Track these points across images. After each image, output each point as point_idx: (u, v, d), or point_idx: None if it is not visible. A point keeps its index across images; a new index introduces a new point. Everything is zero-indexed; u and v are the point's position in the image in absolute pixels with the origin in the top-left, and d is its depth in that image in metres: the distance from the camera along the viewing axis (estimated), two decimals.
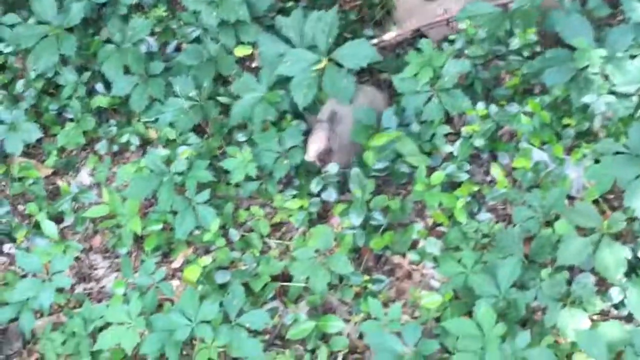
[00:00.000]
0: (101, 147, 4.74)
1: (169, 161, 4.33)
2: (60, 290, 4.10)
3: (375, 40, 4.59)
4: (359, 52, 4.35)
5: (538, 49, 4.20)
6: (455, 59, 4.25)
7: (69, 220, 4.51)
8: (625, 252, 3.53)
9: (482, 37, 4.24)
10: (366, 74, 4.70)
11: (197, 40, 4.79)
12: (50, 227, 4.33)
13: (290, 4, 4.90)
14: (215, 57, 4.66)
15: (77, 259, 4.42)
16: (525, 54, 4.22)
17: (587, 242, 3.59)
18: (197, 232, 4.23)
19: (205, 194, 4.21)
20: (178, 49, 4.88)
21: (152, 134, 4.69)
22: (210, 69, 4.64)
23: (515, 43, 4.20)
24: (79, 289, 4.35)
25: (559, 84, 4.05)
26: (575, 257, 3.58)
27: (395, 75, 4.35)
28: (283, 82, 4.42)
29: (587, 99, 3.92)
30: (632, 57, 3.93)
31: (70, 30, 4.84)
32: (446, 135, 4.25)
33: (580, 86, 3.96)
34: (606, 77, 3.92)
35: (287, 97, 4.39)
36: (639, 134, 3.69)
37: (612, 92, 3.91)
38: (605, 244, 3.57)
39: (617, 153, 3.71)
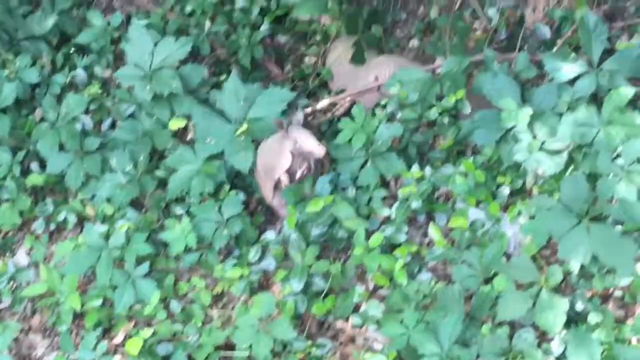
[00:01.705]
0: (38, 226, 4.69)
1: (107, 236, 4.31)
2: None
3: (309, 110, 4.64)
4: (273, 99, 4.47)
5: (468, 110, 4.28)
6: (388, 123, 4.31)
7: (6, 301, 4.45)
8: (564, 305, 3.59)
9: (413, 101, 4.32)
10: None
11: (132, 116, 4.81)
12: None
13: (223, 77, 4.96)
14: (150, 131, 4.67)
15: (16, 339, 4.34)
16: (455, 116, 4.30)
17: (526, 297, 3.64)
18: (137, 306, 4.18)
19: (145, 267, 4.19)
20: (113, 125, 4.87)
21: (90, 210, 4.65)
22: (146, 144, 4.65)
23: (445, 106, 4.28)
24: None
25: (490, 144, 4.14)
26: (515, 312, 3.62)
27: (329, 143, 4.40)
28: (219, 153, 4.45)
29: (518, 157, 3.99)
30: (559, 114, 4.03)
31: (3, 111, 4.84)
32: (383, 198, 4.29)
33: (510, 145, 4.04)
34: (535, 136, 4.01)
35: (224, 168, 4.41)
36: (571, 189, 3.76)
37: (543, 150, 3.99)
38: (544, 298, 3.63)
39: (551, 208, 3.78)
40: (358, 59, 4.77)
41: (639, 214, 3.64)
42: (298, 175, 4.27)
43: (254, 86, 4.60)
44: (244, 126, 4.37)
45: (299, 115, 4.31)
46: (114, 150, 4.63)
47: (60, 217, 4.63)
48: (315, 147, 4.14)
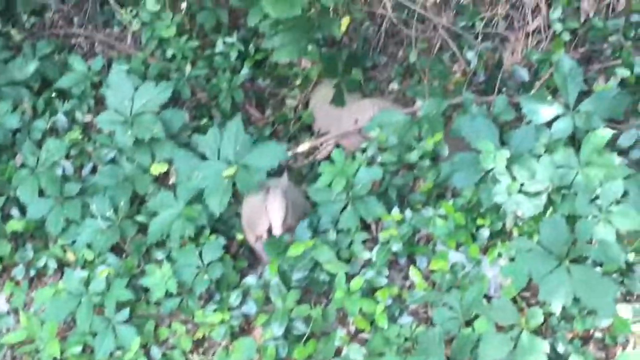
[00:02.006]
0: (18, 272, 4.66)
1: (87, 282, 4.29)
2: None
3: (289, 153, 4.65)
4: (268, 154, 4.42)
5: (446, 153, 4.30)
6: (368, 166, 4.33)
7: None
8: (545, 347, 3.59)
9: (392, 144, 4.33)
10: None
11: (113, 160, 4.80)
12: None
13: (204, 121, 4.98)
14: (131, 176, 4.67)
15: None
16: (435, 158, 4.31)
17: (507, 339, 3.64)
18: (118, 352, 4.15)
19: (125, 313, 4.16)
20: (94, 170, 4.87)
21: (70, 256, 4.63)
22: (127, 189, 4.64)
23: (425, 148, 4.30)
24: None
25: (469, 186, 4.15)
26: (495, 354, 3.62)
27: (310, 186, 4.41)
28: (199, 197, 4.45)
29: (497, 199, 4.01)
30: (537, 156, 4.05)
31: None
32: (364, 241, 4.29)
33: (490, 187, 4.05)
34: (514, 178, 4.02)
35: (205, 212, 4.41)
36: (550, 231, 3.79)
37: (522, 192, 4.00)
38: (525, 340, 3.63)
39: (531, 250, 3.80)
40: (338, 101, 4.80)
41: (618, 255, 3.66)
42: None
43: (250, 136, 4.61)
44: (232, 169, 4.36)
45: (283, 182, 4.32)
46: (95, 196, 4.62)
47: (41, 263, 4.61)
48: (275, 225, 4.13)
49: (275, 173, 4.45)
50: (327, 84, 4.96)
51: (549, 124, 4.13)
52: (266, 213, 4.16)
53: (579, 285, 3.63)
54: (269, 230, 4.21)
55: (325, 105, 4.89)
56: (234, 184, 4.36)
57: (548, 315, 3.75)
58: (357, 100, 4.84)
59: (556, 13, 4.56)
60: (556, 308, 3.64)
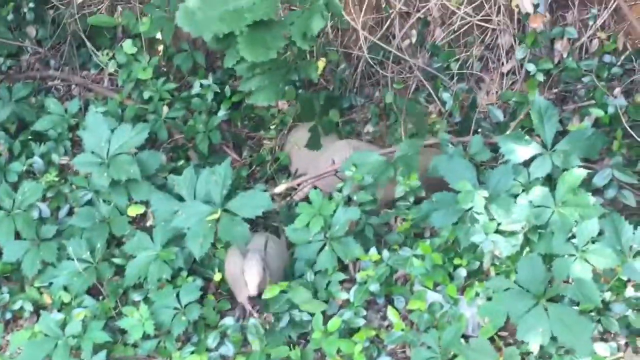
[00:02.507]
0: None
1: (63, 325, 4.25)
2: None
3: (267, 194, 4.65)
4: (253, 202, 4.40)
5: (423, 193, 4.32)
6: (345, 207, 4.33)
7: None
8: None
9: (368, 183, 4.35)
10: (261, 227, 4.76)
11: (90, 202, 4.79)
12: None
13: (181, 162, 4.98)
14: (107, 218, 4.66)
15: None
16: (411, 199, 4.33)
17: None
18: None
19: (102, 356, 4.11)
20: (70, 212, 4.84)
21: (47, 298, 4.58)
22: (104, 231, 4.62)
23: (400, 190, 4.32)
24: None
25: (447, 226, 4.17)
26: None
27: (287, 227, 4.41)
28: (177, 239, 4.44)
29: (475, 238, 4.02)
30: (515, 195, 4.08)
31: None
32: (341, 282, 4.29)
33: (467, 227, 4.07)
34: (492, 217, 4.04)
35: (182, 254, 4.40)
36: (527, 270, 3.81)
37: (499, 231, 4.02)
38: None
39: (508, 289, 3.81)
40: (314, 144, 4.83)
41: (595, 293, 3.68)
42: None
43: (221, 167, 4.55)
44: (217, 214, 4.36)
45: (260, 242, 4.32)
46: (71, 238, 4.59)
47: (16, 306, 4.55)
48: (251, 287, 4.11)
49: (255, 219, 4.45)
50: (303, 125, 4.99)
51: (526, 164, 4.16)
52: (243, 275, 4.16)
53: (556, 324, 3.64)
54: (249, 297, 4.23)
55: (301, 147, 4.91)
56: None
57: (526, 354, 3.75)
58: (333, 141, 4.86)
59: (520, 53, 4.63)
60: (534, 347, 3.64)
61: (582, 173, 3.98)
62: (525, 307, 3.71)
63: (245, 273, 4.14)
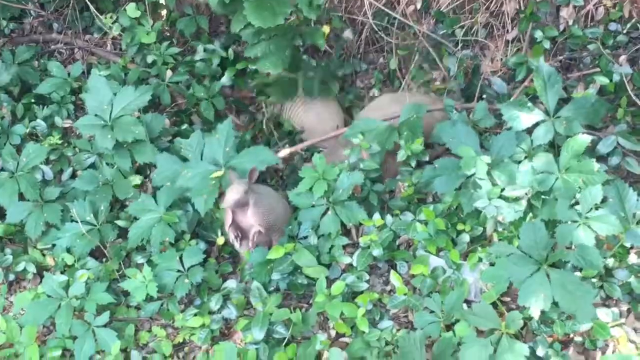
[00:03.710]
0: None
1: (67, 286, 4.26)
2: None
3: (270, 150, 4.65)
4: (257, 157, 4.40)
5: (426, 159, 4.32)
6: (349, 171, 4.33)
7: None
8: (525, 350, 3.60)
9: (374, 151, 4.34)
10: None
11: (93, 165, 4.79)
12: None
13: (184, 126, 4.98)
14: (111, 180, 4.66)
15: None
16: (414, 164, 4.33)
17: (487, 343, 3.65)
18: (98, 356, 4.13)
19: (105, 317, 4.14)
20: (74, 175, 4.85)
21: (50, 260, 4.61)
22: (107, 193, 4.62)
23: (402, 154, 4.31)
24: None
25: (449, 192, 4.17)
26: (476, 359, 3.62)
27: (290, 191, 4.42)
28: (180, 202, 4.44)
29: (478, 204, 4.03)
30: (517, 162, 4.08)
31: None
32: (344, 246, 4.31)
33: (470, 192, 4.08)
34: (494, 183, 4.05)
35: (185, 217, 4.41)
36: (530, 236, 3.80)
37: (502, 197, 4.03)
38: (505, 344, 3.64)
39: (511, 255, 3.82)
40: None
41: (597, 259, 3.67)
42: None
43: (223, 126, 4.55)
44: (221, 172, 4.35)
45: (257, 187, 4.30)
46: (75, 200, 4.59)
47: (20, 268, 4.57)
48: (226, 200, 4.09)
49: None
50: (319, 100, 4.99)
51: (529, 131, 4.15)
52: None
53: (558, 290, 3.64)
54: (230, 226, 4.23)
55: (307, 111, 4.91)
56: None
57: (528, 319, 3.77)
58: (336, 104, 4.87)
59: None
60: (536, 312, 3.65)
61: (586, 139, 3.97)
62: (527, 273, 3.71)
63: (226, 193, 4.12)
